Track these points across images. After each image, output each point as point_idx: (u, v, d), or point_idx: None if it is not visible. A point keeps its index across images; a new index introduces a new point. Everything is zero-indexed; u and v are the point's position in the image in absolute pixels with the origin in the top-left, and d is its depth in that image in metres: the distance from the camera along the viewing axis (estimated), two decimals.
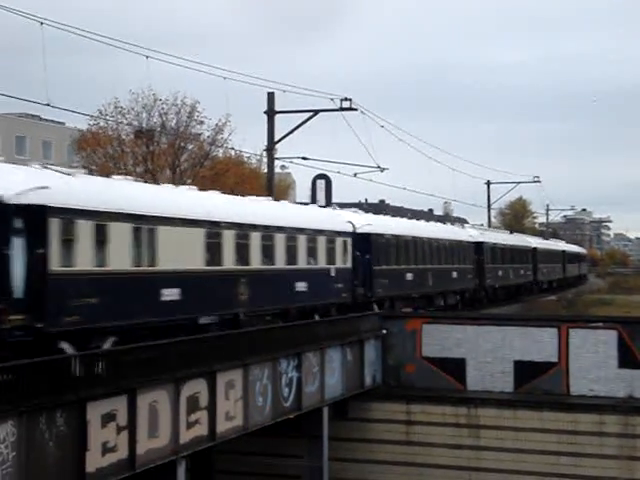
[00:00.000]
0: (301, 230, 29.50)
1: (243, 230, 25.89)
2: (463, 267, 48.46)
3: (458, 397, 26.82)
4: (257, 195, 33.13)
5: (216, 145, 55.32)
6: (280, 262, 27.96)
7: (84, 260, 19.54)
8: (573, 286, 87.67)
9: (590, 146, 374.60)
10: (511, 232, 76.67)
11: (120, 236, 20.65)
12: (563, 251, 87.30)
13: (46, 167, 21.01)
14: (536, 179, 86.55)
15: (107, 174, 39.31)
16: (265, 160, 42.25)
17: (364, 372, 27.13)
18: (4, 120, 73.05)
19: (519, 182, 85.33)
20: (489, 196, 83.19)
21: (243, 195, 32.40)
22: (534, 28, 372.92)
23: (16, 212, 18.15)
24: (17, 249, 18.12)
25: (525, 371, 27.07)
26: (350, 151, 47.47)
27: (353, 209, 39.86)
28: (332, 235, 31.98)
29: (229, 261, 25.10)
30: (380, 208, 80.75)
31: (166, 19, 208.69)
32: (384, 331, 28.27)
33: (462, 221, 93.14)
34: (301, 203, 45.94)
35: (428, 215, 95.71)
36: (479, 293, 51.52)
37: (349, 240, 33.43)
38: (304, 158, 40.76)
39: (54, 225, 18.73)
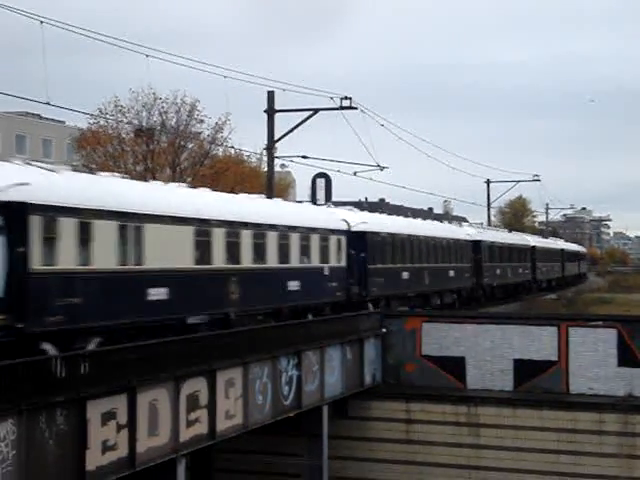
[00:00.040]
0: (294, 228, 29.27)
1: (234, 228, 25.65)
2: (460, 266, 48.28)
3: (458, 396, 26.84)
4: (257, 194, 33.12)
5: (216, 144, 55.33)
6: (272, 261, 27.75)
7: (67, 259, 19.19)
8: (572, 285, 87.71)
9: (590, 145, 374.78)
10: (510, 231, 76.72)
11: (105, 234, 20.33)
12: (562, 250, 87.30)
13: (28, 163, 20.69)
14: (536, 178, 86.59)
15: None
16: (265, 159, 42.25)
17: (364, 371, 27.14)
18: (4, 119, 73.09)
19: (519, 181, 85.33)
20: (489, 195, 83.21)
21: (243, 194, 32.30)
22: (534, 28, 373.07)
23: None
24: None
25: (525, 370, 27.09)
26: (350, 150, 47.55)
27: (348, 207, 39.64)
28: (326, 233, 31.75)
29: (219, 260, 24.84)
30: (380, 207, 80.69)
31: (166, 19, 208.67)
32: (384, 330, 28.29)
33: (462, 220, 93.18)
34: (300, 202, 45.91)
35: (428, 214, 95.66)
36: (477, 292, 51.34)
37: (343, 238, 33.22)
38: (304, 157, 40.78)
39: (35, 223, 18.36)
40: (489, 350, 27.49)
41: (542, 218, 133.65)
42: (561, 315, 34.92)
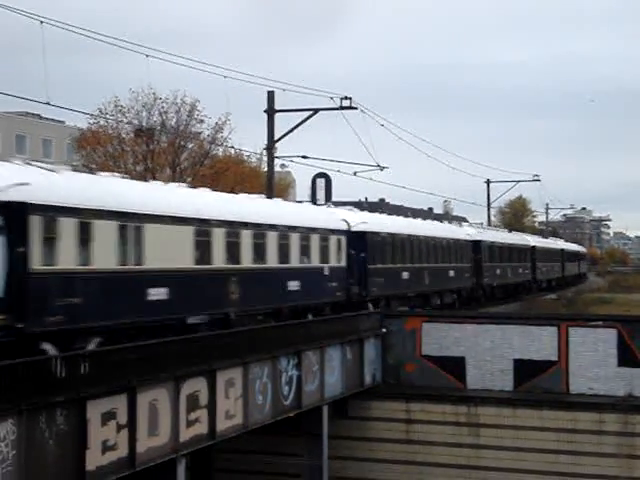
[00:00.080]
0: (294, 228, 29.25)
1: (234, 228, 25.62)
2: (460, 266, 48.25)
3: (458, 396, 26.84)
4: (257, 194, 33.10)
5: (216, 144, 55.35)
6: (272, 261, 27.73)
7: (67, 259, 19.16)
8: (572, 285, 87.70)
9: (590, 145, 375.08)
10: (510, 230, 76.72)
11: (105, 234, 20.32)
12: (562, 250, 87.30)
13: (28, 163, 20.66)
14: (536, 178, 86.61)
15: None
16: (265, 159, 42.27)
17: (364, 371, 27.14)
18: (4, 119, 73.10)
19: (519, 181, 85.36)
20: (489, 195, 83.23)
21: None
22: (534, 28, 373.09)
23: None
24: None
25: (525, 370, 27.09)
26: (350, 150, 47.52)
27: (348, 207, 39.62)
28: (326, 233, 31.71)
29: (219, 260, 24.80)
30: (380, 207, 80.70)
31: (166, 19, 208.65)
32: (384, 330, 28.28)
33: (462, 220, 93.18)
34: (300, 202, 45.91)
35: (428, 214, 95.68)
36: (477, 292, 51.29)
37: (343, 238, 33.19)
38: (304, 157, 40.78)
39: (35, 223, 18.36)
40: (489, 350, 27.50)
41: (542, 218, 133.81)
42: (561, 315, 34.93)
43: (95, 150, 53.16)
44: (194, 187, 28.82)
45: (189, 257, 23.56)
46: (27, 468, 13.87)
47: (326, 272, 31.39)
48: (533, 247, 70.12)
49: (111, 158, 52.66)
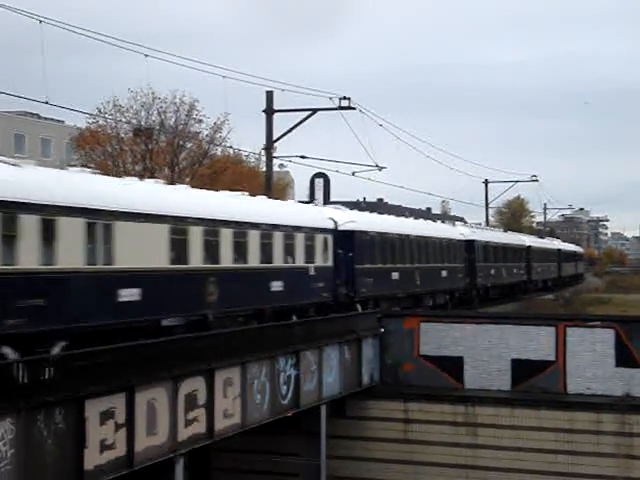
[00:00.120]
0: (277, 226, 28.45)
1: (213, 226, 24.77)
2: (453, 266, 47.44)
3: (456, 395, 26.86)
4: (256, 194, 33.06)
5: (215, 144, 55.43)
6: (254, 260, 26.96)
7: (28, 258, 18.27)
8: (569, 285, 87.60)
9: (588, 145, 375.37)
10: (505, 230, 76.57)
11: (71, 232, 19.45)
12: (559, 250, 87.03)
13: None
14: (534, 178, 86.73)
15: (106, 172, 39.43)
16: (264, 159, 42.36)
17: (362, 370, 27.15)
18: (3, 118, 73.13)
19: (517, 181, 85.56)
20: (487, 195, 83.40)
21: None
22: (534, 28, 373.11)
23: None
24: None
25: (522, 369, 27.10)
26: (348, 150, 47.68)
27: (335, 205, 38.81)
28: (311, 232, 30.86)
29: (196, 259, 23.99)
30: (378, 207, 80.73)
31: (166, 19, 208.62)
32: (382, 330, 28.30)
33: (460, 220, 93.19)
34: (301, 202, 45.90)
35: (426, 214, 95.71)
36: (470, 293, 50.52)
37: (330, 237, 32.36)
38: (302, 157, 40.85)
39: None
40: (487, 350, 27.51)
41: (540, 218, 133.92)
42: (559, 315, 34.98)
43: (94, 150, 53.23)
44: (172, 184, 28.00)
45: (164, 256, 22.73)
46: (25, 467, 13.88)
47: (312, 272, 30.60)
48: (529, 247, 69.75)
49: (110, 158, 52.75)
